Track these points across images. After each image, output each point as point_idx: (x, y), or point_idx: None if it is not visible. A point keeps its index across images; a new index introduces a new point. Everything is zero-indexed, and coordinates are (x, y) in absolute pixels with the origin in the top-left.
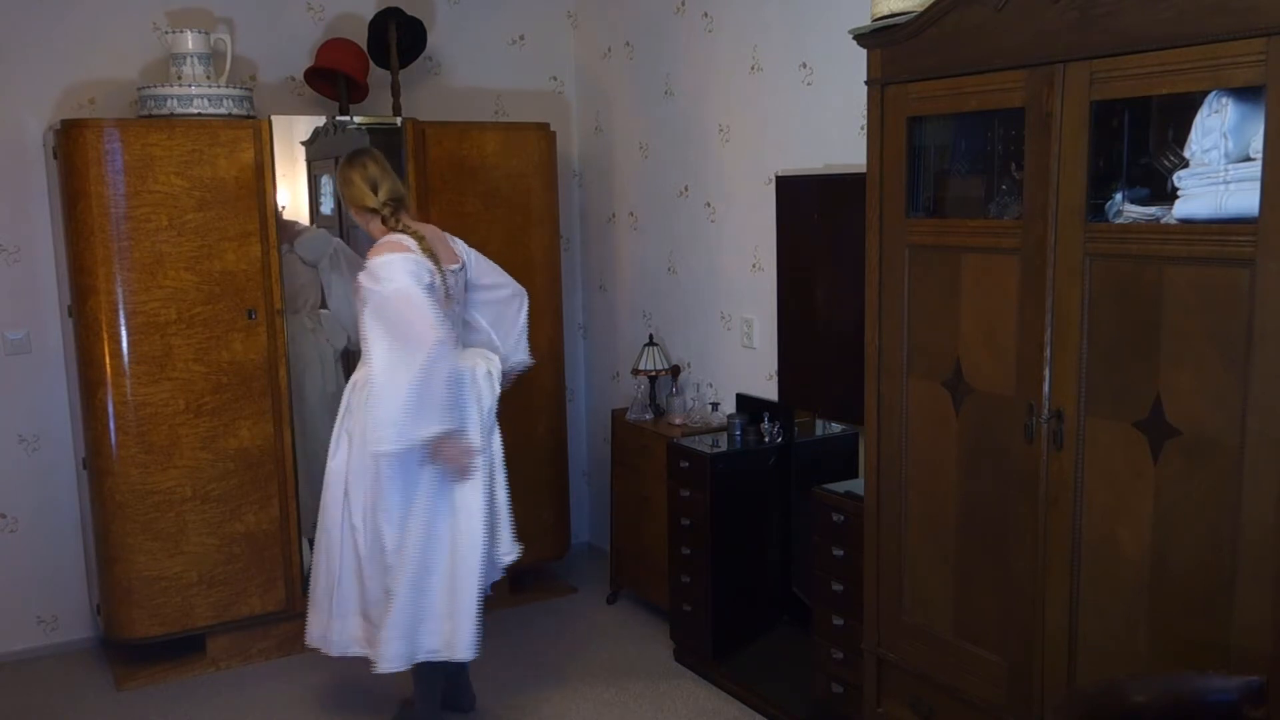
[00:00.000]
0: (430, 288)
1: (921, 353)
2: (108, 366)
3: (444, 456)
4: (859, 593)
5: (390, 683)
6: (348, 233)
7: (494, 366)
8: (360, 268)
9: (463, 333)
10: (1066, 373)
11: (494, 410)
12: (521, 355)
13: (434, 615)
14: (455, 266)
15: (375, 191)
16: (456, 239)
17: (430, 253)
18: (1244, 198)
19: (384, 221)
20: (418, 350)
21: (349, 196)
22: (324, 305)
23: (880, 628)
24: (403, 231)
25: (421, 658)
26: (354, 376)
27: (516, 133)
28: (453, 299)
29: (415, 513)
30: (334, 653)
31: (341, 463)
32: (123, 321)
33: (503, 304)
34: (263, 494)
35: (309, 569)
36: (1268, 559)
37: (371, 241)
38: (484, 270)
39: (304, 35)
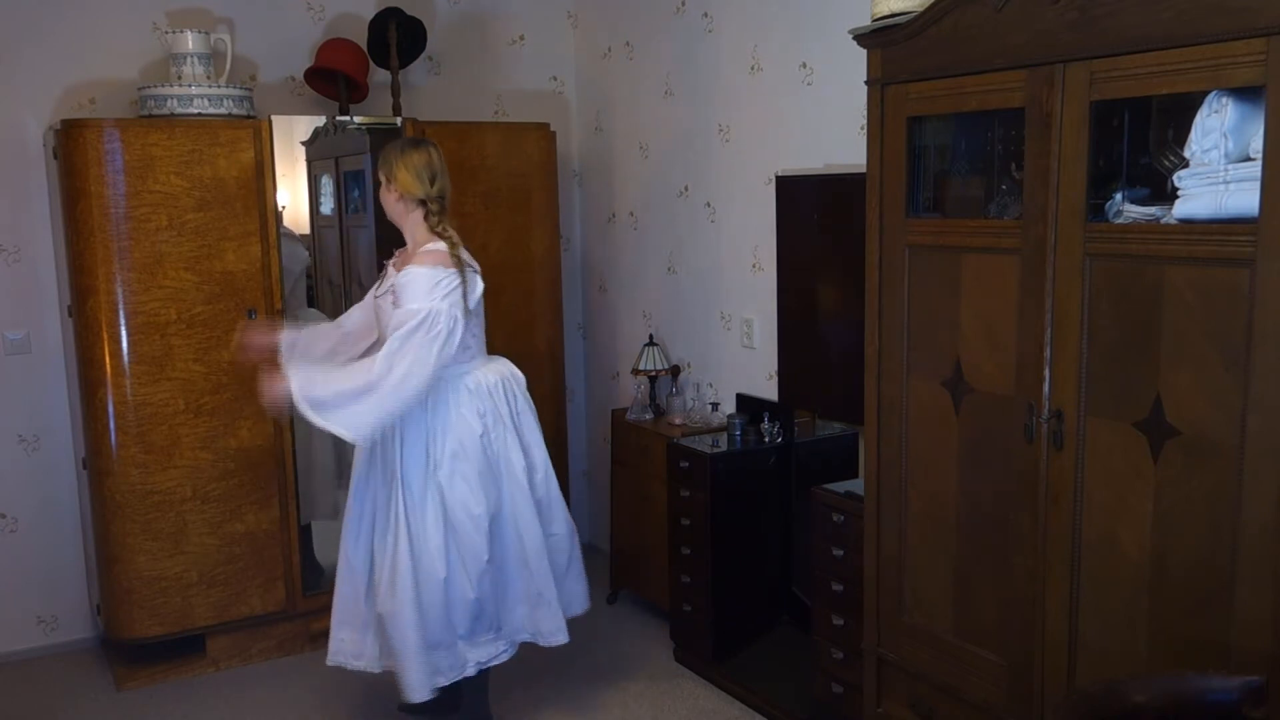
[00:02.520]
0: (455, 303)
1: (921, 353)
2: (108, 366)
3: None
4: (859, 593)
5: (389, 683)
6: (348, 232)
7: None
8: None
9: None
10: (1066, 373)
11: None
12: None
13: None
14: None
15: (431, 183)
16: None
17: (459, 259)
18: (1244, 198)
19: (426, 217)
20: (414, 376)
21: (400, 180)
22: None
23: (880, 628)
24: (443, 236)
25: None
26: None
27: (516, 133)
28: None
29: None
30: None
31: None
32: (123, 321)
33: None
34: (263, 494)
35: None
36: (1268, 559)
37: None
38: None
39: (304, 35)
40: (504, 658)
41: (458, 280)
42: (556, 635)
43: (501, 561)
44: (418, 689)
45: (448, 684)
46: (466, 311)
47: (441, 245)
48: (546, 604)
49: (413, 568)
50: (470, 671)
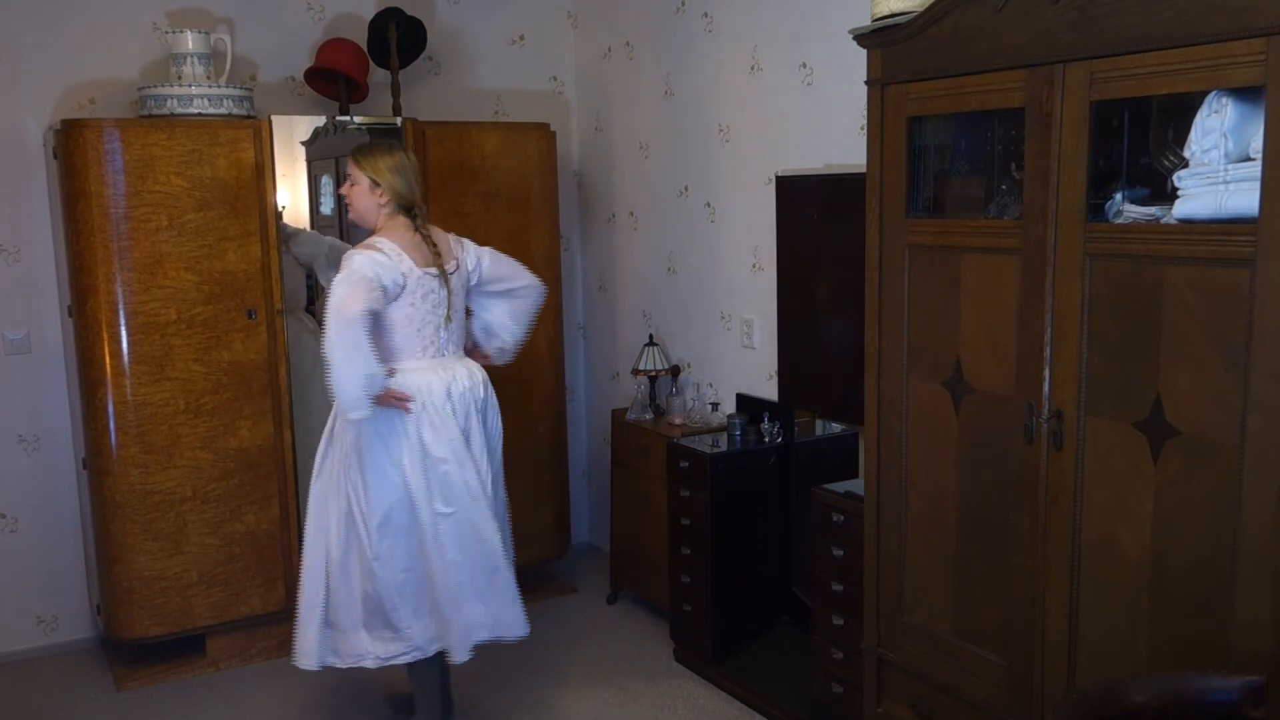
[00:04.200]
0: (386, 288)
1: (921, 353)
2: (108, 366)
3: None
4: (859, 593)
5: (389, 683)
6: (348, 232)
7: (477, 377)
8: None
9: (465, 329)
10: (1066, 373)
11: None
12: (507, 339)
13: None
14: (450, 267)
15: (414, 186)
16: (464, 240)
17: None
18: (1244, 198)
19: (412, 219)
20: (341, 321)
21: (386, 182)
22: (309, 308)
23: (880, 628)
24: (426, 238)
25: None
26: None
27: (516, 133)
28: (441, 300)
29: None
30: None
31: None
32: (123, 321)
33: (515, 297)
34: (263, 494)
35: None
36: (1268, 559)
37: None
38: (499, 268)
39: (304, 35)
40: (405, 659)
41: (373, 262)
42: (517, 628)
43: (441, 560)
44: (300, 655)
45: (344, 667)
46: (384, 299)
47: (375, 240)
48: (501, 595)
49: (324, 544)
50: (369, 664)
